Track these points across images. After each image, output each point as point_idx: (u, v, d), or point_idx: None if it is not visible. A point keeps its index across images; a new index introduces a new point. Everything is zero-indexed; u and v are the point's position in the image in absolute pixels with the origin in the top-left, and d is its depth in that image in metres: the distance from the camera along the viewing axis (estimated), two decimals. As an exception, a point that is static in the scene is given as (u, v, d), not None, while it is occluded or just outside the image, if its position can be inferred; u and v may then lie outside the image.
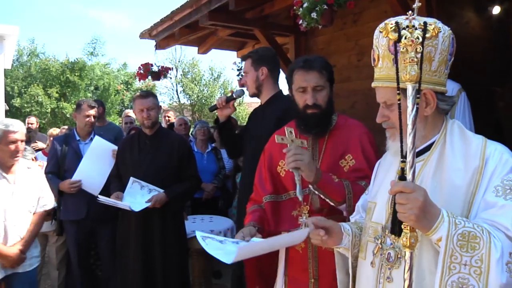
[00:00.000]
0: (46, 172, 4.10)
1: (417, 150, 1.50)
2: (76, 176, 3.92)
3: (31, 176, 3.28)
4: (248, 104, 22.92)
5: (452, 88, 3.22)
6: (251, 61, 2.87)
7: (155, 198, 3.40)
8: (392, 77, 1.44)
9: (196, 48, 7.25)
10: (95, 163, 3.98)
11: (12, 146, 3.03)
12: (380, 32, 1.34)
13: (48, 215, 4.37)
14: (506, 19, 5.23)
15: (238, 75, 7.19)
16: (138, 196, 3.45)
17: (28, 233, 3.15)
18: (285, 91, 2.77)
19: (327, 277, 2.08)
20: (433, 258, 1.36)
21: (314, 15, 3.45)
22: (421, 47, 1.25)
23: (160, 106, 3.82)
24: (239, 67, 7.12)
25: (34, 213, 3.24)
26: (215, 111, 3.05)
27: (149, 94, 3.72)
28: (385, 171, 1.67)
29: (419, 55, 1.25)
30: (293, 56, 5.73)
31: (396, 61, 1.32)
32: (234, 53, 7.52)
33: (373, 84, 1.56)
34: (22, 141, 3.12)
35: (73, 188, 3.90)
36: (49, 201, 3.40)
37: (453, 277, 1.25)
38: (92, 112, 4.20)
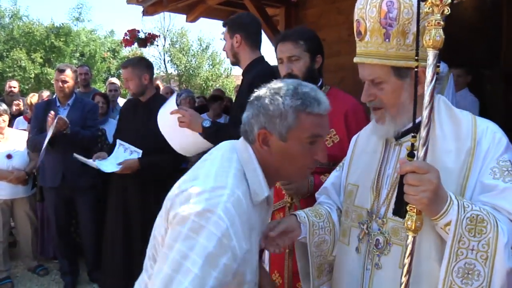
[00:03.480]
0: (30, 138, 4.11)
1: (404, 130, 1.43)
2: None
3: None
4: (236, 76, 22.69)
5: (442, 67, 3.17)
6: (227, 28, 2.76)
7: (125, 164, 3.39)
8: (382, 53, 1.35)
9: (184, 16, 7.07)
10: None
11: None
12: None
13: (25, 179, 4.34)
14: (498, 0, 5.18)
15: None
16: (120, 159, 3.46)
17: None
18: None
19: None
20: (433, 244, 1.30)
21: (305, -15, 3.36)
22: (448, 9, 1.13)
23: (148, 70, 3.56)
24: (226, 37, 6.94)
25: None
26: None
27: (128, 64, 3.52)
28: (368, 154, 1.57)
29: (444, 19, 1.13)
30: (283, 28, 5.62)
31: (417, 22, 1.20)
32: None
33: (356, 59, 1.44)
34: None
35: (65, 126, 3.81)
36: None
37: (460, 263, 1.19)
38: (62, 77, 4.09)
